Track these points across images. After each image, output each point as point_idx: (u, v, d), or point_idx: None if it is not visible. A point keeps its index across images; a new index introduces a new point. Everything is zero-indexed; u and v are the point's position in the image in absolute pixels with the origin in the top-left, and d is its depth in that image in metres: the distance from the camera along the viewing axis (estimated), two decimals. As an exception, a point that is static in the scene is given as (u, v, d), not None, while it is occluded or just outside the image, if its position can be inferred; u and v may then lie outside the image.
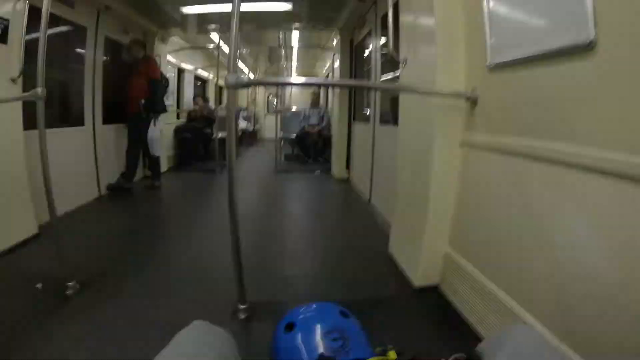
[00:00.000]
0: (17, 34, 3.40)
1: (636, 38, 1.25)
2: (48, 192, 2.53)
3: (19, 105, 3.57)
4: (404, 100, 3.23)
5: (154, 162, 6.30)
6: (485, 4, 2.20)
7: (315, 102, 9.79)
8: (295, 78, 13.92)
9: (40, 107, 2.49)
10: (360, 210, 5.10)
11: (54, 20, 2.55)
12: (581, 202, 1.48)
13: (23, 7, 3.44)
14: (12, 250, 3.30)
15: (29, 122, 3.41)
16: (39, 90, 2.46)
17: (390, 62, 4.11)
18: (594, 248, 1.41)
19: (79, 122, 5.28)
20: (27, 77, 3.35)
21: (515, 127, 1.97)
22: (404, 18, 3.20)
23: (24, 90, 3.43)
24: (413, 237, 2.82)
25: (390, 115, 4.48)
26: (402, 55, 3.15)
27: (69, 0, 4.74)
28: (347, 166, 7.25)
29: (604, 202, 1.37)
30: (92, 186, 5.49)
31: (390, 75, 4.72)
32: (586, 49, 1.43)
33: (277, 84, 10.56)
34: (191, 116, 9.20)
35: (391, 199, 3.49)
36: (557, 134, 1.62)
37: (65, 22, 4.81)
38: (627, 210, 1.26)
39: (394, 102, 3.93)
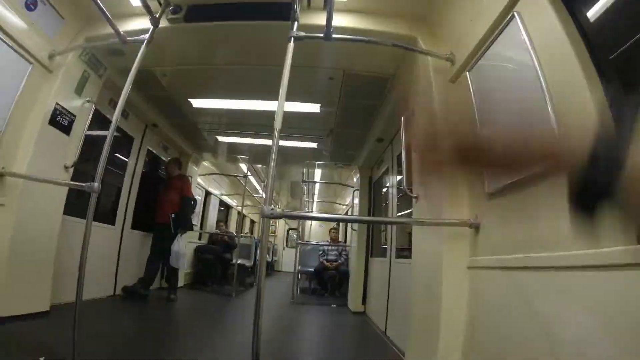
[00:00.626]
0: (79, 129, 3.93)
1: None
2: (80, 276, 2.66)
3: (64, 191, 3.92)
4: (416, 232, 3.39)
5: (173, 275, 6.30)
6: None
7: (334, 238, 9.98)
8: (319, 214, 14.40)
9: (93, 199, 2.77)
10: (376, 340, 4.97)
11: (109, 125, 2.99)
12: (576, 297, 1.55)
13: (89, 108, 4.06)
14: (21, 317, 3.38)
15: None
16: (96, 184, 2.78)
17: (406, 198, 4.36)
18: (599, 338, 1.44)
19: (111, 221, 5.64)
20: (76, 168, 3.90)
21: (512, 244, 2.09)
22: (415, 157, 3.50)
23: (72, 179, 3.86)
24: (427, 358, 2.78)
25: (407, 250, 4.60)
26: (415, 192, 3.40)
27: (124, 111, 5.40)
28: (364, 300, 7.17)
29: (595, 292, 1.45)
30: (109, 284, 5.61)
31: (407, 211, 4.94)
32: (559, 168, 1.63)
33: (303, 218, 10.95)
34: (212, 239, 9.42)
35: (407, 329, 3.47)
36: (547, 243, 1.75)
37: (119, 129, 5.35)
38: (614, 294, 1.36)
39: (410, 237, 4.09)
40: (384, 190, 6.70)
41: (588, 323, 1.49)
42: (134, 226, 6.20)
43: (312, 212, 13.30)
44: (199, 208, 9.14)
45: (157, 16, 3.40)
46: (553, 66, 1.84)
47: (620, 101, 1.53)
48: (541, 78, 1.86)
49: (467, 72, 2.77)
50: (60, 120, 3.74)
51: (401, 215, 5.24)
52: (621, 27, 1.62)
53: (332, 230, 10.20)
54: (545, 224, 1.79)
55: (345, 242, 11.04)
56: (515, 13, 2.16)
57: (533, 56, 1.95)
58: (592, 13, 1.74)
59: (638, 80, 1.55)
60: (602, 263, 1.40)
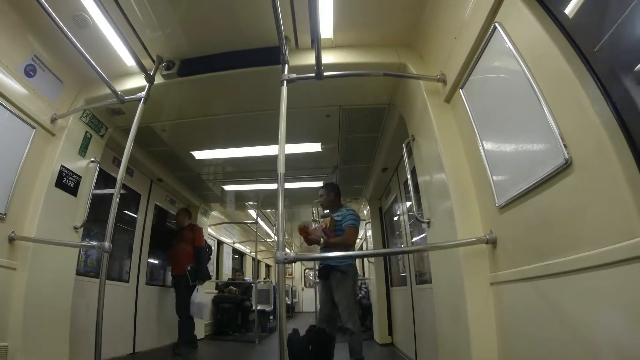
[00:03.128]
0: (86, 190, 4.00)
1: (598, 145, 1.50)
2: (98, 336, 2.63)
3: (76, 252, 3.93)
4: (434, 256, 3.34)
5: (184, 327, 6.10)
6: (482, 151, 2.52)
7: None
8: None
9: (105, 259, 2.80)
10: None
11: (114, 183, 3.04)
12: (605, 297, 1.51)
13: (94, 168, 4.13)
14: None
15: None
16: (107, 244, 2.81)
17: (418, 223, 4.33)
18: (631, 334, 1.40)
19: (125, 279, 5.64)
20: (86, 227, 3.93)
21: (531, 254, 2.05)
22: (422, 180, 3.51)
23: (82, 239, 3.92)
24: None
25: (427, 274, 4.54)
26: (426, 217, 3.38)
27: (129, 169, 5.53)
28: (390, 331, 7.02)
29: (622, 287, 1.41)
30: (128, 341, 5.53)
31: (421, 236, 4.90)
32: (565, 166, 1.67)
33: (318, 259, 10.88)
34: (224, 292, 9.31)
35: (438, 356, 3.37)
36: (565, 246, 1.72)
37: (125, 187, 5.53)
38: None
39: (428, 261, 4.04)
40: (396, 218, 6.66)
41: (621, 320, 1.45)
42: (149, 282, 6.20)
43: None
44: (213, 258, 9.10)
45: (151, 73, 3.49)
46: (542, 68, 1.86)
47: (614, 88, 1.54)
48: (532, 82, 1.88)
49: (461, 90, 2.81)
50: (67, 182, 3.79)
51: (416, 241, 5.20)
52: (600, 17, 1.65)
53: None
54: (561, 228, 1.77)
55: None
56: (496, 24, 2.21)
57: (520, 62, 1.98)
58: (570, 9, 1.77)
59: (626, 65, 1.56)
60: (626, 257, 1.37)
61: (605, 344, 1.53)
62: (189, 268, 5.99)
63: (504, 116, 2.30)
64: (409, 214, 5.39)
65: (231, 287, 9.35)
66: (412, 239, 5.39)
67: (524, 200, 2.07)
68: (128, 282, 5.68)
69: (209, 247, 7.18)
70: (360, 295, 9.11)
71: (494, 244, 2.48)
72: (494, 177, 2.40)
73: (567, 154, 1.65)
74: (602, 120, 1.50)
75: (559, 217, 1.78)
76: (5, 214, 3.26)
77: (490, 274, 2.54)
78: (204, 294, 6.18)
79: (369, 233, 8.00)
